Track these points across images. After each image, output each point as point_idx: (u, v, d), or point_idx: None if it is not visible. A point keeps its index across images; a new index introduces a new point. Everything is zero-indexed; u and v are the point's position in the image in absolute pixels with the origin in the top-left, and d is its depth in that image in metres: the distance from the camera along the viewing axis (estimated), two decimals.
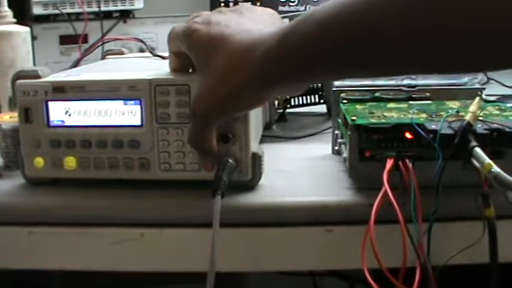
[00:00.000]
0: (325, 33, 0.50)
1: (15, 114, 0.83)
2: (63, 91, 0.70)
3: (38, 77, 0.71)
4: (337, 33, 0.49)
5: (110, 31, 1.32)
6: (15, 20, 1.00)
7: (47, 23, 1.32)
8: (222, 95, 0.58)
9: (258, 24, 0.60)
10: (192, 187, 0.68)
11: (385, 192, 0.61)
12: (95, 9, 1.32)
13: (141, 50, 1.22)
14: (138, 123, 0.69)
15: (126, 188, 0.70)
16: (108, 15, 1.36)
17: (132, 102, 0.69)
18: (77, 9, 1.31)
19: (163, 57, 0.87)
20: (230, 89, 0.57)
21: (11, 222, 0.70)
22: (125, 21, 1.37)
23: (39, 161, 0.72)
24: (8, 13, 0.99)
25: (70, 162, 0.71)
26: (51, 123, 0.71)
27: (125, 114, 0.69)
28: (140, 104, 0.69)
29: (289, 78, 0.56)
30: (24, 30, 1.00)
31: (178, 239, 0.68)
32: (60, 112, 0.71)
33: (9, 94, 0.97)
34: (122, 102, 0.69)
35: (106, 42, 0.99)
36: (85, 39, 1.24)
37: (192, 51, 0.62)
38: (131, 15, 1.40)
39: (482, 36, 0.43)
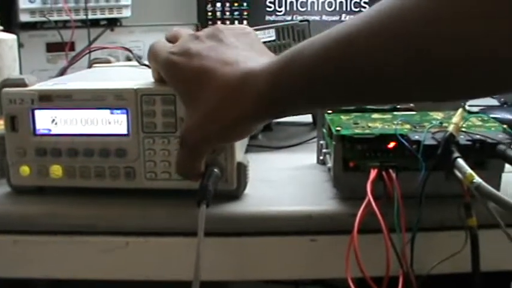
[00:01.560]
0: (316, 72, 0.50)
1: (1, 122, 0.84)
2: (50, 100, 0.70)
3: (25, 85, 0.71)
4: (326, 72, 0.50)
5: (97, 39, 1.32)
6: (1, 28, 1.00)
7: (34, 31, 1.32)
8: (214, 130, 0.58)
9: (239, 50, 0.60)
10: (177, 196, 0.68)
11: (369, 202, 0.62)
12: (82, 17, 1.32)
13: (128, 59, 1.22)
14: (125, 132, 0.70)
15: (112, 196, 0.71)
16: (95, 23, 1.37)
17: (119, 111, 0.69)
18: (64, 17, 1.31)
19: (149, 66, 0.87)
20: (222, 124, 0.57)
21: None
22: (112, 30, 1.38)
23: (25, 170, 0.72)
24: None
25: (56, 170, 0.71)
26: (38, 132, 0.71)
27: (112, 123, 0.70)
28: (126, 113, 0.69)
29: (280, 115, 0.58)
30: (11, 37, 1.00)
31: (164, 248, 0.69)
32: (47, 121, 0.71)
33: None
34: (108, 111, 0.70)
35: (93, 50, 0.99)
36: (72, 47, 1.25)
37: (174, 86, 0.62)
38: (118, 24, 1.40)
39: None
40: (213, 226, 0.63)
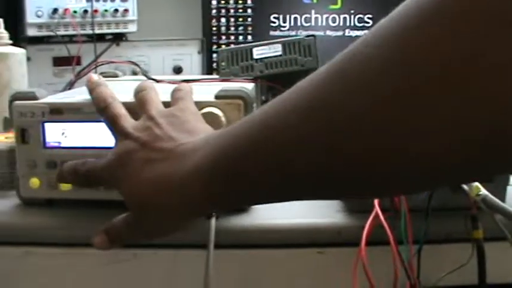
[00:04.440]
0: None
1: (11, 134, 0.85)
2: (60, 112, 0.71)
3: (35, 98, 0.72)
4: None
5: (103, 54, 1.33)
6: (11, 42, 1.01)
7: (41, 45, 1.34)
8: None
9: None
10: None
11: (376, 215, 0.63)
12: (88, 31, 1.33)
13: (134, 73, 1.23)
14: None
15: (121, 209, 0.71)
16: (100, 37, 1.38)
17: None
18: (70, 32, 1.32)
19: (157, 81, 0.88)
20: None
21: (6, 242, 0.71)
22: (117, 44, 1.39)
23: (35, 182, 0.73)
24: (5, 34, 1.00)
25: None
26: (48, 144, 0.72)
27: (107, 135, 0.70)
28: None
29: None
30: (20, 52, 1.01)
31: (172, 260, 0.69)
32: (57, 133, 0.72)
33: (4, 115, 0.97)
34: None
35: (100, 65, 1.00)
36: (78, 61, 1.26)
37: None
38: (124, 38, 1.41)
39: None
40: (221, 239, 0.64)
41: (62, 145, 0.72)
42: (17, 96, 0.73)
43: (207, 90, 0.75)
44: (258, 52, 0.98)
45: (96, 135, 0.71)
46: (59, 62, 1.34)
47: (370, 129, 0.38)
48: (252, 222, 0.69)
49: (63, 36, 1.32)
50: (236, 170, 0.48)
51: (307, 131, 0.41)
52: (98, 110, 0.65)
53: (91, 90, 0.67)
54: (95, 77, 0.68)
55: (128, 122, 0.61)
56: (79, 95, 0.76)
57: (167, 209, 0.55)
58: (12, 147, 0.78)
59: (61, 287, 0.71)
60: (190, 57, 1.43)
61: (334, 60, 0.41)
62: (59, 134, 0.72)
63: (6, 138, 0.84)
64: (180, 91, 0.67)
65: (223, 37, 1.51)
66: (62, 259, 0.70)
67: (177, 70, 1.40)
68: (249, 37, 1.51)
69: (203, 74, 1.42)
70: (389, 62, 0.37)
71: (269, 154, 0.45)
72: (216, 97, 0.69)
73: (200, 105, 0.66)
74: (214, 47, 1.49)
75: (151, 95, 0.65)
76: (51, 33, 1.31)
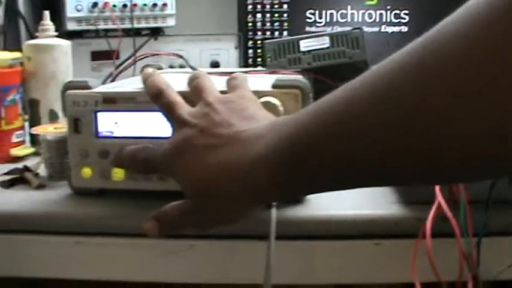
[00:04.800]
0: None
1: (59, 125, 0.85)
2: (114, 102, 0.71)
3: (88, 87, 0.72)
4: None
5: (141, 48, 1.33)
6: (56, 34, 1.01)
7: (80, 39, 1.34)
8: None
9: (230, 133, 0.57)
10: None
11: (439, 206, 0.62)
12: (127, 25, 1.33)
13: (170, 67, 1.23)
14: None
15: (175, 199, 0.71)
16: (137, 32, 1.38)
17: None
18: (110, 26, 1.32)
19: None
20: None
21: (59, 232, 0.71)
22: (155, 39, 1.39)
23: (87, 171, 0.72)
24: (50, 26, 1.00)
25: (118, 173, 0.72)
26: (100, 134, 0.72)
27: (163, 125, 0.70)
28: None
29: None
30: (66, 43, 1.01)
31: (229, 251, 0.69)
32: (110, 123, 0.71)
33: (50, 106, 0.98)
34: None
35: (141, 58, 0.99)
36: (117, 55, 1.26)
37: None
38: (162, 33, 1.41)
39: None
40: (278, 229, 0.63)
41: (114, 135, 0.71)
42: (69, 86, 0.72)
43: (258, 81, 0.74)
44: (306, 44, 0.97)
45: (149, 125, 0.70)
46: (97, 56, 1.34)
47: (454, 121, 0.37)
48: (307, 214, 0.68)
49: (102, 30, 1.32)
50: (304, 158, 0.48)
51: (382, 120, 0.41)
52: (152, 97, 0.64)
53: (145, 80, 0.66)
54: (149, 69, 0.68)
55: (185, 109, 0.61)
56: (131, 84, 0.76)
57: (228, 197, 0.54)
58: (62, 137, 0.78)
59: (113, 278, 0.71)
60: (227, 53, 1.42)
61: (408, 51, 0.41)
62: (112, 124, 0.71)
63: (55, 128, 0.84)
64: (236, 79, 0.66)
65: (259, 33, 1.50)
66: (114, 249, 0.70)
67: (214, 65, 1.40)
68: (285, 33, 1.50)
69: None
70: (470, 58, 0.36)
71: (340, 143, 0.45)
72: (274, 86, 0.68)
73: (257, 94, 0.65)
74: (250, 42, 1.49)
75: (207, 82, 0.64)
76: (91, 27, 1.31)
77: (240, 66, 1.43)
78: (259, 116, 0.59)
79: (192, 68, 0.93)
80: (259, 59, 1.48)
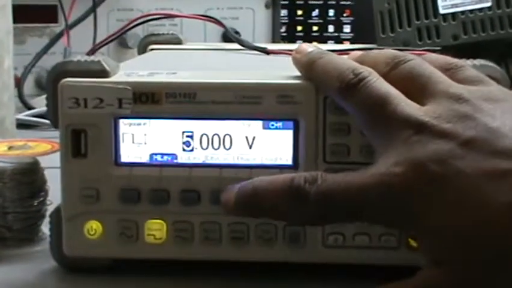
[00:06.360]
0: None
1: (17, 142, 0.52)
2: (154, 101, 0.39)
3: (104, 73, 0.40)
4: None
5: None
6: None
7: None
8: None
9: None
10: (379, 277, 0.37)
11: None
12: None
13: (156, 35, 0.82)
14: (289, 161, 0.40)
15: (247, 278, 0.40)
16: None
17: (280, 123, 0.40)
18: None
19: (267, 52, 0.57)
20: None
21: None
22: None
23: (95, 227, 0.40)
24: None
25: (156, 228, 0.40)
26: (123, 159, 0.40)
27: (265, 144, 0.40)
28: (294, 127, 0.40)
29: None
30: None
31: None
32: (141, 138, 0.40)
33: None
34: (260, 123, 0.39)
35: (143, 21, 0.65)
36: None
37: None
38: None
39: None
40: None
41: (151, 161, 0.40)
42: (67, 69, 0.40)
43: None
44: (448, 3, 0.67)
45: (217, 143, 0.39)
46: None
47: None
48: None
49: None
50: None
51: None
52: (341, 89, 0.37)
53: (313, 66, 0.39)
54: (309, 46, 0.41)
55: (408, 103, 0.34)
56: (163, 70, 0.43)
57: None
58: (24, 165, 0.45)
59: None
60: (253, 14, 1.00)
61: None
62: (145, 140, 0.40)
63: (10, 149, 0.51)
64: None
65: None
66: None
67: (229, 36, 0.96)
68: None
69: (270, 41, 0.99)
70: None
71: None
72: None
73: None
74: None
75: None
76: None
77: (270, 39, 1.01)
78: None
79: (241, 42, 0.60)
80: (299, 27, 1.06)
